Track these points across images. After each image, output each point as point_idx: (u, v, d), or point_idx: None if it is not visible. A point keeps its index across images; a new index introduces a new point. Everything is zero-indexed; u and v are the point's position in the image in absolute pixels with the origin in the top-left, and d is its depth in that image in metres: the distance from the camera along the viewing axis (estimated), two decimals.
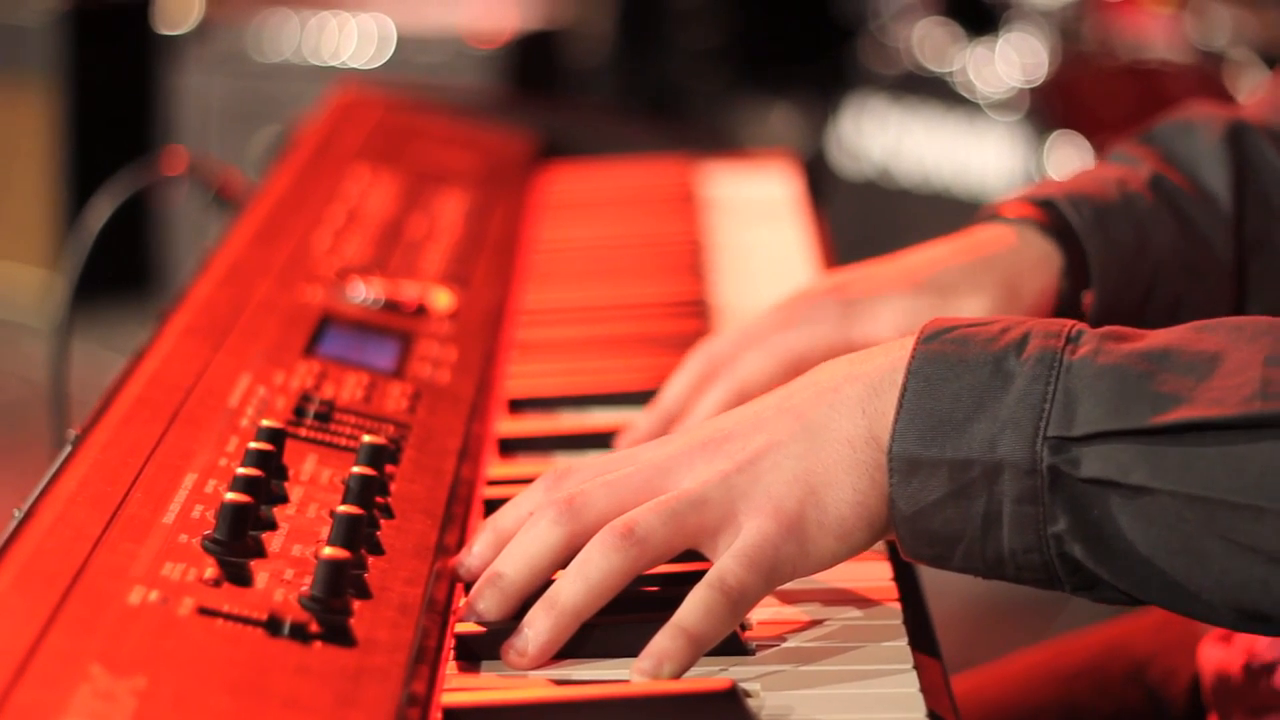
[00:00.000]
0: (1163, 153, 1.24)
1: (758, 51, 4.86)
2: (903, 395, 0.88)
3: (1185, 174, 1.23)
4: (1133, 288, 1.17)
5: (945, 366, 0.88)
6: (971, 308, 1.13)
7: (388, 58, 3.90)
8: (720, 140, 3.71)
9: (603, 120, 2.31)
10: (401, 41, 3.91)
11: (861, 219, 3.77)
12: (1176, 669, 1.27)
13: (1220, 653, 1.19)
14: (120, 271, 4.00)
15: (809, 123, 4.37)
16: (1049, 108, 3.59)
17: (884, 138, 3.83)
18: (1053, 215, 1.18)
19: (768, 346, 1.15)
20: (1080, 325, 0.89)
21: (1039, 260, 1.16)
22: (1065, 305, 1.16)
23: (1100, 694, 1.30)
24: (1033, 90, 3.64)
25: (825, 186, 3.78)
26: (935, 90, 3.76)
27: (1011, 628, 1.35)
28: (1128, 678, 1.30)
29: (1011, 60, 3.74)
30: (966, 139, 3.71)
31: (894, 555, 0.99)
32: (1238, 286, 1.21)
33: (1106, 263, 1.16)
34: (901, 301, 1.14)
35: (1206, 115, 1.26)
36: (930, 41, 3.92)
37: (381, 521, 0.97)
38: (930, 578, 1.01)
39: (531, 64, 3.97)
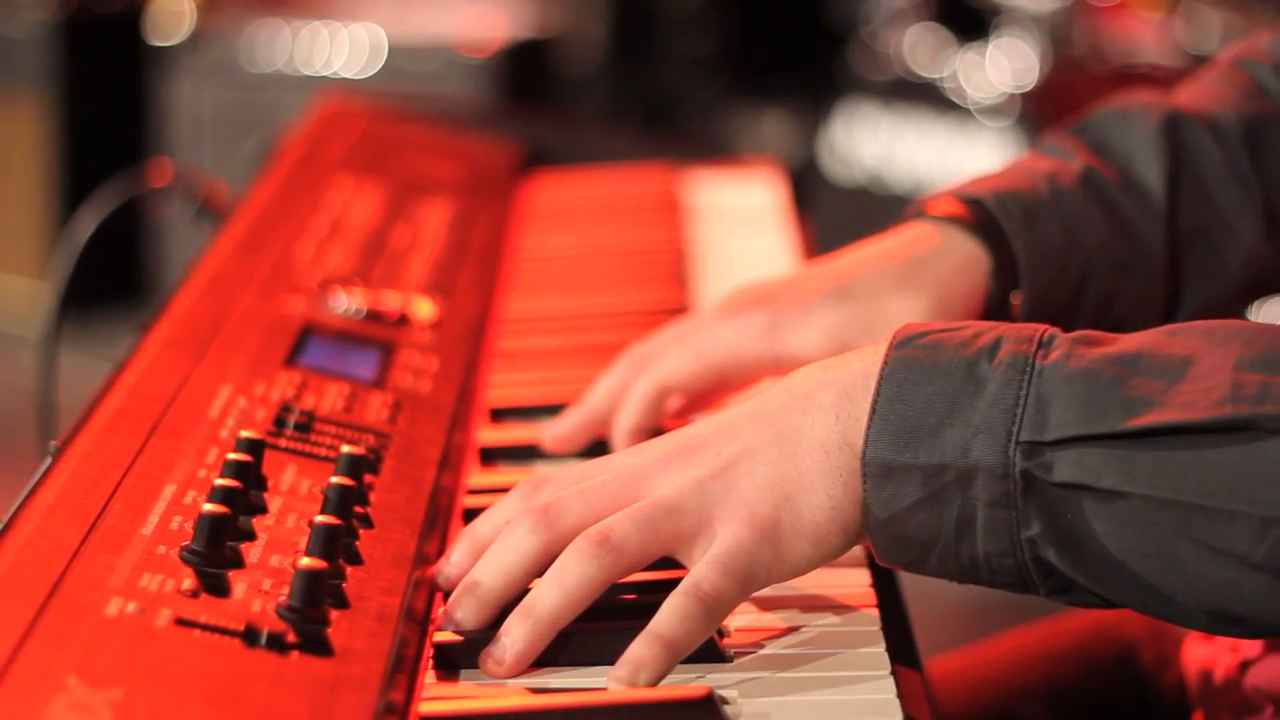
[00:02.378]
0: (1096, 144, 1.23)
1: (750, 58, 4.87)
2: (876, 401, 0.89)
3: (1118, 166, 1.22)
4: (1062, 287, 1.17)
5: (918, 372, 0.89)
6: (901, 317, 1.12)
7: (379, 67, 3.90)
8: (712, 147, 3.72)
9: (589, 129, 2.32)
10: (393, 51, 3.92)
11: (853, 225, 3.75)
12: (1167, 657, 1.27)
13: (1204, 651, 1.19)
14: (112, 282, 4.01)
15: (801, 129, 4.37)
16: (1040, 113, 3.59)
17: (875, 144, 3.83)
18: (980, 214, 1.17)
19: (693, 348, 1.16)
20: (1052, 330, 0.90)
21: (967, 263, 1.16)
22: (994, 306, 1.16)
23: (1089, 677, 1.30)
24: (1023, 95, 3.65)
25: (817, 193, 3.78)
26: (926, 96, 3.77)
27: (996, 632, 1.36)
28: (1117, 661, 1.29)
29: (1002, 65, 3.75)
30: (958, 144, 3.71)
31: (872, 561, 1.00)
32: (1171, 281, 1.21)
33: (1035, 263, 1.16)
34: (829, 314, 1.14)
35: (1143, 105, 1.25)
36: (921, 47, 3.92)
37: (360, 531, 0.97)
38: (912, 583, 1.01)
39: (523, 72, 3.98)
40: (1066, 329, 0.89)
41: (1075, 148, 1.23)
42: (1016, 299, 1.16)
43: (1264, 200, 1.24)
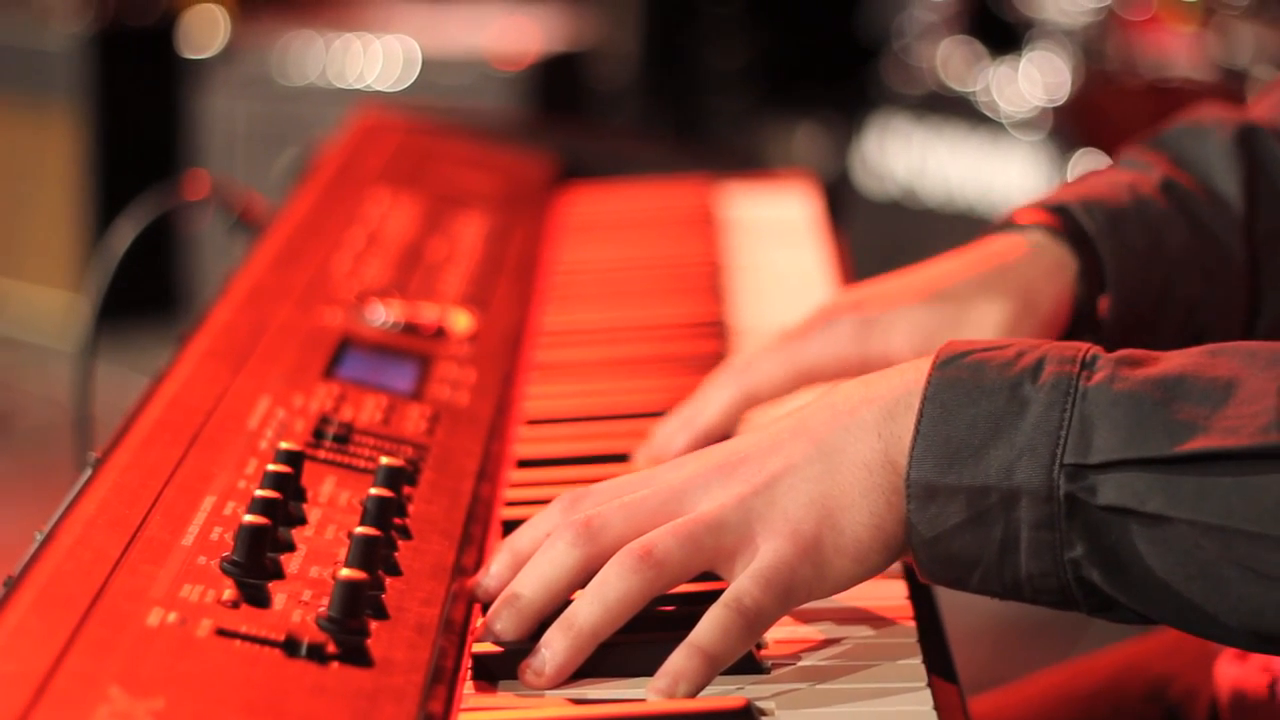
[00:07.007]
0: (1173, 156, 1.24)
1: (782, 71, 4.87)
2: (919, 421, 0.88)
3: (1196, 176, 1.22)
4: (1148, 291, 1.17)
5: (961, 392, 0.88)
6: (987, 319, 1.13)
7: (412, 80, 3.91)
8: (744, 160, 3.71)
9: (623, 142, 2.32)
10: (426, 64, 3.93)
11: (885, 238, 3.77)
12: (1195, 688, 1.27)
13: (1236, 670, 1.19)
14: (147, 294, 4.02)
15: (833, 142, 4.37)
16: (1072, 127, 3.59)
17: (908, 157, 3.83)
18: (1066, 220, 1.18)
19: (781, 355, 1.17)
20: (1095, 349, 0.89)
21: (1053, 267, 1.16)
22: (1081, 311, 1.16)
23: (1119, 714, 1.30)
24: (1056, 109, 3.64)
25: (849, 206, 3.78)
26: (959, 109, 3.76)
27: (1033, 647, 1.35)
28: (1146, 697, 1.29)
29: (1034, 79, 3.74)
30: (990, 158, 3.70)
31: (909, 574, 1.00)
32: (1253, 286, 1.21)
33: (1122, 267, 1.16)
34: (917, 316, 1.15)
35: (1216, 118, 1.26)
36: (953, 61, 3.92)
37: (399, 542, 0.98)
38: (948, 596, 1.01)
39: (556, 85, 3.98)
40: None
41: (1153, 160, 1.24)
42: (1104, 303, 1.16)
43: None
